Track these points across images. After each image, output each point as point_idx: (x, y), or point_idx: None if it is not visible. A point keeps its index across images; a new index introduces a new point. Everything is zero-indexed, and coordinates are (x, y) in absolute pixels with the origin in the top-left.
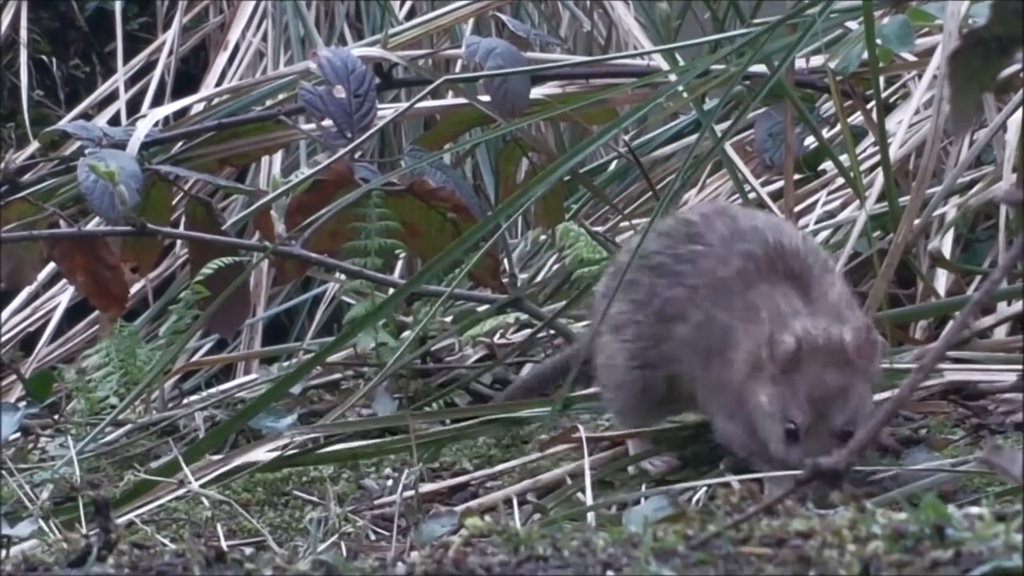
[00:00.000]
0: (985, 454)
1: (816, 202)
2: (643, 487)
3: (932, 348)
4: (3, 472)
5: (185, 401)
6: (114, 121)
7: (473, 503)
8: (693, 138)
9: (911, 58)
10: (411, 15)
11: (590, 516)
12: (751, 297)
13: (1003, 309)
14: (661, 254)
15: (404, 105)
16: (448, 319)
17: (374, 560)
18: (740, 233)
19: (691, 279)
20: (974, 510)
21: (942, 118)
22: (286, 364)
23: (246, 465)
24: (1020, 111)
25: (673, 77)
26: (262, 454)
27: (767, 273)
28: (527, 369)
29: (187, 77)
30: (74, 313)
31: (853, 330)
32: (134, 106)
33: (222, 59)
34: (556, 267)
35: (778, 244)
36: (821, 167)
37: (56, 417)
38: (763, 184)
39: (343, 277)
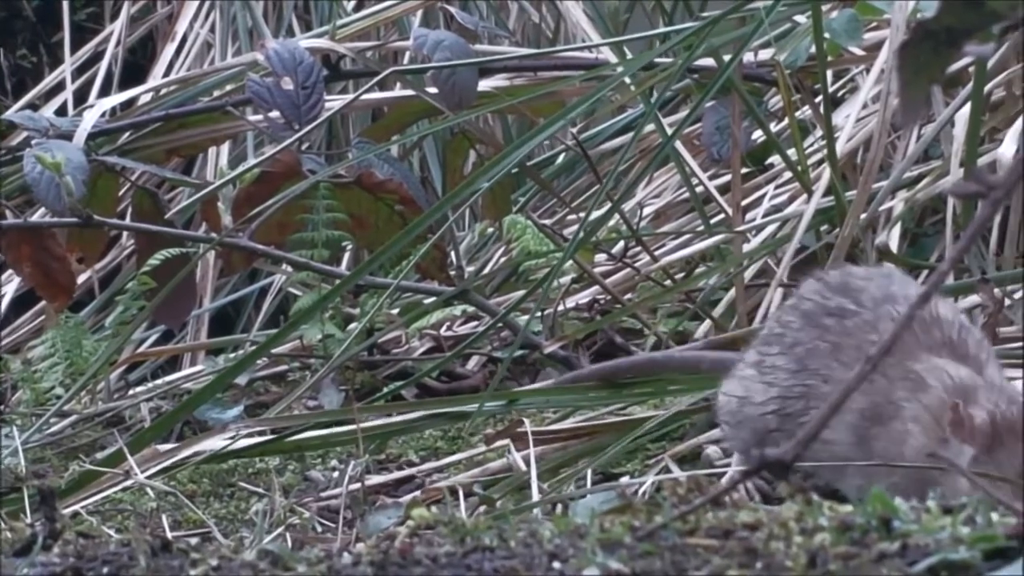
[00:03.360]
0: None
1: (763, 196)
2: (589, 479)
3: (880, 343)
4: None
5: (131, 392)
6: (61, 111)
7: (419, 494)
8: (642, 130)
9: (859, 52)
10: (359, 7)
11: (536, 508)
12: (911, 365)
13: None
14: (812, 300)
15: (352, 97)
16: (395, 311)
17: (320, 551)
18: (892, 297)
19: (834, 336)
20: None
21: (889, 112)
22: (232, 355)
23: (193, 456)
24: (968, 105)
25: (620, 70)
26: (209, 445)
27: (924, 341)
28: (474, 362)
29: (134, 68)
30: (20, 303)
31: None
32: (81, 96)
33: (170, 50)
34: (503, 259)
35: (934, 312)
36: (768, 161)
37: (1, 407)
38: (711, 178)
39: (290, 269)
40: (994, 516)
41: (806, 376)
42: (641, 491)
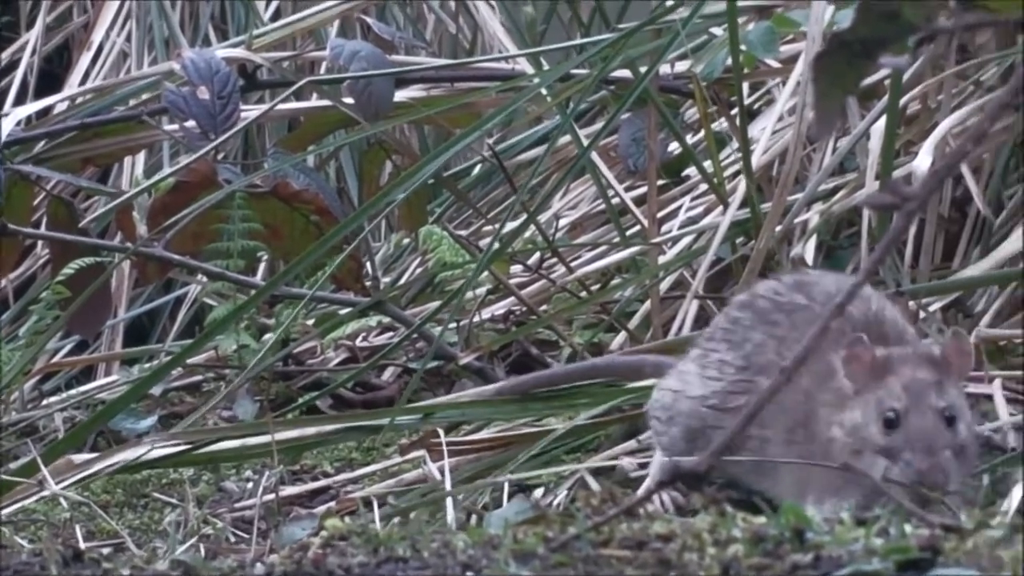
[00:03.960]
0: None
1: (679, 208)
2: (505, 490)
3: (797, 353)
4: None
5: (45, 402)
6: None
7: (333, 505)
8: (557, 141)
9: (775, 64)
10: (276, 16)
11: (450, 518)
12: (833, 359)
13: None
14: (766, 298)
15: (268, 106)
16: (310, 322)
17: (233, 561)
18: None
19: (782, 331)
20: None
21: (805, 124)
22: (147, 366)
23: (107, 467)
24: (884, 118)
25: (537, 81)
26: (124, 456)
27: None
28: (389, 373)
29: (50, 76)
30: None
31: (947, 340)
32: None
33: (86, 59)
34: (419, 270)
35: (880, 312)
36: (684, 173)
37: None
38: (627, 189)
39: (205, 279)
40: (907, 527)
41: (752, 372)
42: (556, 502)
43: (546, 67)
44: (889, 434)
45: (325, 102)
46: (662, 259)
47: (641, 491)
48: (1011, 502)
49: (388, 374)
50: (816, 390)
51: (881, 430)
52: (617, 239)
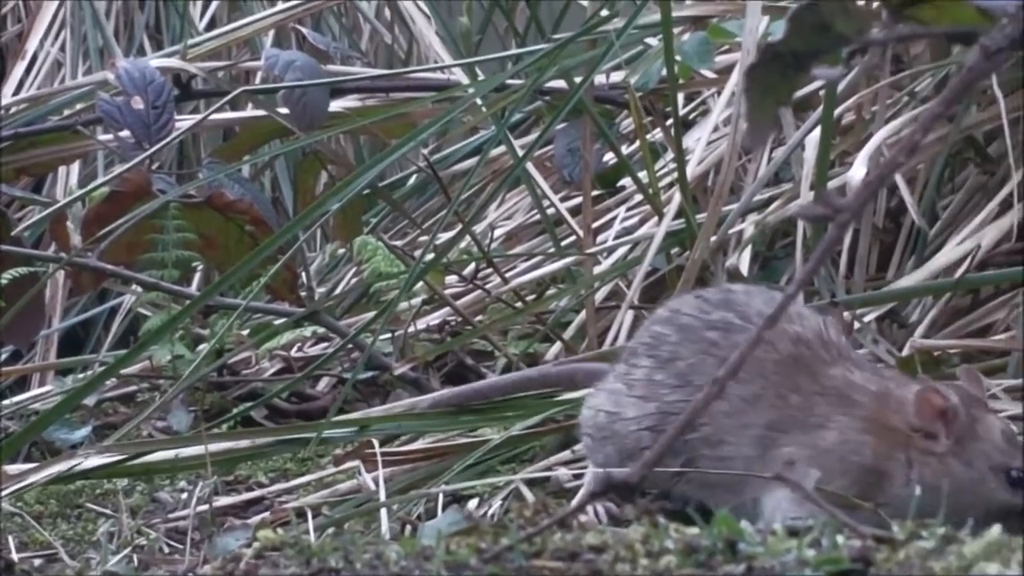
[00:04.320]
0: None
1: (614, 218)
2: (439, 500)
3: (727, 364)
4: None
5: None
6: None
7: (267, 515)
8: (492, 152)
9: (710, 75)
10: (211, 26)
11: (385, 529)
12: (825, 380)
13: None
14: (690, 315)
15: (202, 116)
16: (245, 332)
17: (165, 572)
18: (786, 315)
19: (721, 351)
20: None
21: (740, 135)
22: (81, 376)
23: (40, 479)
24: (818, 129)
25: (472, 91)
26: (58, 466)
27: (823, 356)
28: (324, 383)
29: None
30: None
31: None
32: None
33: (19, 68)
34: (354, 280)
35: (826, 331)
36: (620, 183)
37: None
38: (562, 200)
39: (140, 289)
40: (840, 539)
41: (691, 391)
42: (490, 513)
43: (481, 77)
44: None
45: (260, 112)
46: (597, 269)
47: (574, 502)
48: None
49: (323, 384)
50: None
51: (1006, 488)
52: (552, 249)
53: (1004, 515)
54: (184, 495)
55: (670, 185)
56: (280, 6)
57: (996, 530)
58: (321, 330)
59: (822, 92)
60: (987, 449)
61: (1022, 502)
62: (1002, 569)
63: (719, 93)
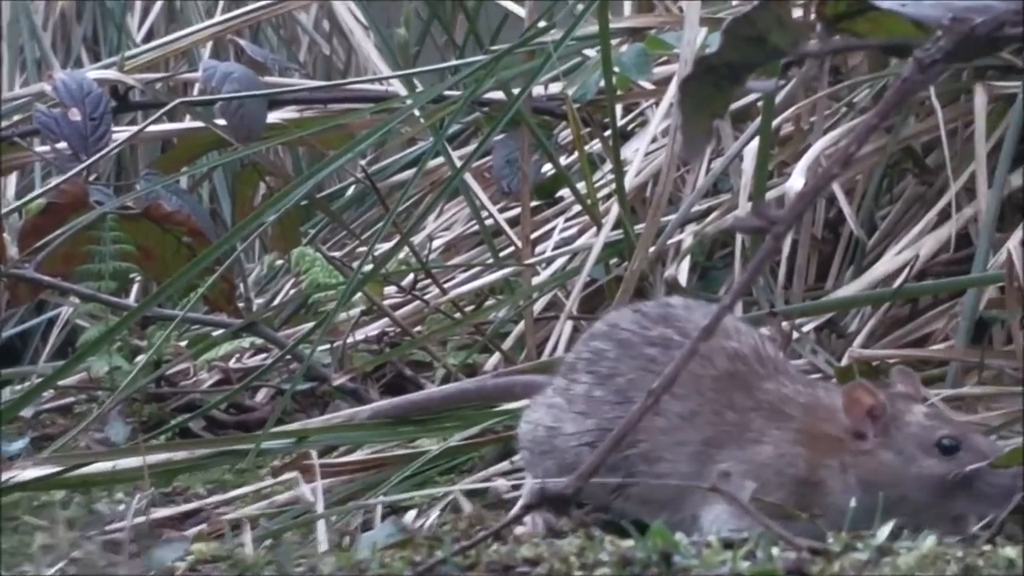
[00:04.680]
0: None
1: (553, 229)
2: (378, 512)
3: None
4: None
5: None
6: None
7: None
8: (430, 163)
9: (648, 86)
10: (149, 38)
11: (322, 541)
12: (759, 395)
13: None
14: (629, 330)
15: (139, 127)
16: (183, 343)
17: None
18: (723, 329)
19: (661, 367)
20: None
21: (677, 146)
22: (19, 387)
23: None
24: (757, 140)
25: (410, 102)
26: None
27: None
28: (262, 394)
29: None
30: None
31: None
32: None
33: None
34: (292, 292)
35: (762, 346)
36: (558, 194)
37: None
38: (501, 211)
39: (77, 300)
40: (775, 551)
41: (630, 408)
42: (427, 524)
43: (420, 89)
44: (948, 459)
45: (198, 124)
46: (536, 280)
47: (510, 515)
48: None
49: (261, 396)
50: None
51: (938, 457)
52: (491, 260)
53: (951, 489)
54: (122, 507)
55: (608, 196)
56: (218, 17)
57: (931, 541)
58: (259, 341)
59: (760, 103)
60: (912, 430)
61: (961, 466)
62: None
63: (657, 104)
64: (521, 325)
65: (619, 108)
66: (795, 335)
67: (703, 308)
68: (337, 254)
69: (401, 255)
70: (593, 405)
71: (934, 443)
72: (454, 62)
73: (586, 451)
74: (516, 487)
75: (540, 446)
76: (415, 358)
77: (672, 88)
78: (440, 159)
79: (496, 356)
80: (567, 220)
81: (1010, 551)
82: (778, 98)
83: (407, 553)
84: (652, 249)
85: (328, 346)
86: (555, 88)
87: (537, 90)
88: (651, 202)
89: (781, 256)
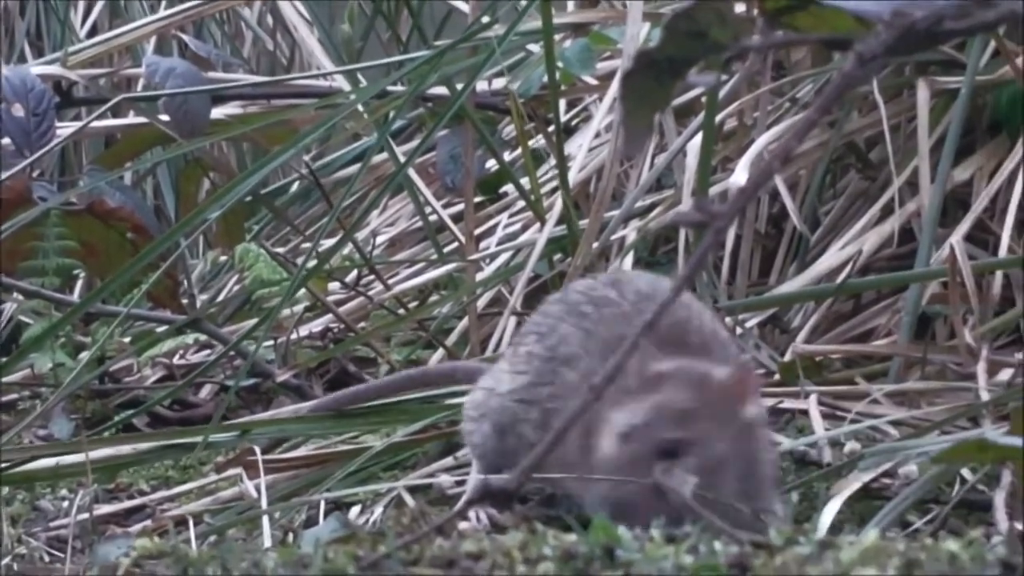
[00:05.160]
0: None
1: (497, 224)
2: (321, 508)
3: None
4: None
5: None
6: None
7: (149, 524)
8: (374, 159)
9: (592, 81)
10: (92, 33)
11: (266, 537)
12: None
13: None
14: (579, 292)
15: (83, 123)
16: (126, 339)
17: None
18: (653, 297)
19: (588, 323)
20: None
21: (620, 141)
22: None
23: None
24: (700, 135)
25: (353, 98)
26: None
27: (662, 344)
28: (206, 391)
29: None
30: None
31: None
32: None
33: None
34: (236, 288)
35: (685, 320)
36: (502, 190)
37: None
38: (444, 206)
39: (21, 297)
40: (717, 545)
41: (557, 363)
42: (371, 520)
43: (364, 84)
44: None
45: (141, 119)
46: (480, 276)
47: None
48: (822, 518)
49: (205, 392)
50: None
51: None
52: (435, 256)
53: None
54: (65, 503)
55: (552, 191)
56: (161, 13)
57: (873, 535)
58: (203, 337)
59: (704, 98)
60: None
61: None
62: (879, 574)
63: (601, 99)
64: (465, 321)
65: (563, 103)
66: (738, 331)
67: (648, 277)
68: (281, 250)
69: (345, 251)
70: (529, 362)
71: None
72: (398, 57)
73: (517, 407)
74: (460, 483)
75: (478, 409)
76: (359, 354)
77: (616, 83)
78: (384, 155)
79: (440, 352)
80: (511, 216)
81: (952, 545)
82: (721, 93)
83: (350, 548)
84: (596, 244)
85: (272, 342)
86: (499, 83)
87: (481, 85)
88: (595, 197)
89: (724, 251)
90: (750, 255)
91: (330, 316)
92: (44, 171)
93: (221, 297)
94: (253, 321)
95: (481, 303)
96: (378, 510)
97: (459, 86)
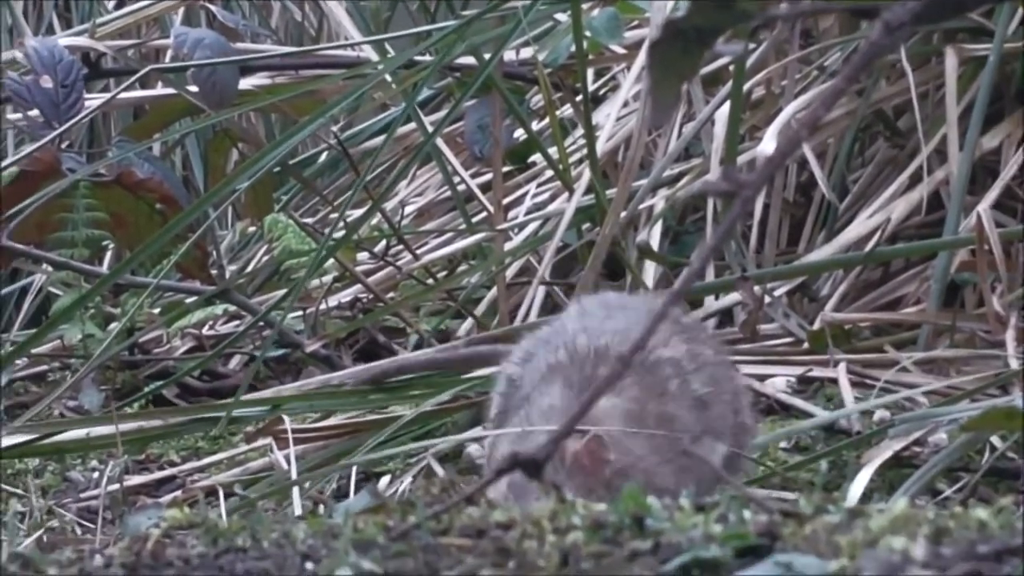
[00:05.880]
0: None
1: (525, 194)
2: (353, 477)
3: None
4: None
5: None
6: None
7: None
8: (402, 129)
9: (620, 50)
10: (120, 4)
11: (295, 507)
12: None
13: (710, 303)
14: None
15: (111, 95)
16: (156, 310)
17: (72, 553)
18: (595, 332)
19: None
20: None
21: (648, 110)
22: None
23: None
24: (728, 104)
25: (381, 68)
26: None
27: (569, 374)
28: (236, 361)
29: None
30: None
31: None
32: None
33: None
34: (265, 258)
35: (602, 349)
36: (530, 159)
37: None
38: (472, 176)
39: (50, 268)
40: (746, 514)
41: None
42: (400, 490)
43: (391, 54)
44: None
45: (170, 90)
46: (508, 245)
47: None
48: (852, 487)
49: (235, 362)
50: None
51: None
52: (463, 226)
53: None
54: (96, 474)
55: (580, 161)
56: None
57: (903, 503)
58: (232, 308)
59: (731, 67)
60: None
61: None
62: (908, 542)
63: (628, 69)
64: (494, 290)
65: (590, 73)
66: (767, 299)
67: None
68: (309, 220)
69: (373, 221)
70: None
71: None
72: (425, 27)
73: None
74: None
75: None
76: (388, 324)
77: (643, 52)
78: (412, 125)
79: (469, 321)
80: (539, 185)
81: (981, 513)
82: (749, 62)
83: (380, 518)
84: (624, 214)
85: (301, 313)
86: (526, 53)
87: (508, 55)
88: (623, 167)
89: (753, 220)
90: (778, 224)
91: (359, 286)
92: (73, 142)
93: (250, 268)
94: (282, 292)
95: (510, 273)
96: (407, 480)
97: (487, 56)
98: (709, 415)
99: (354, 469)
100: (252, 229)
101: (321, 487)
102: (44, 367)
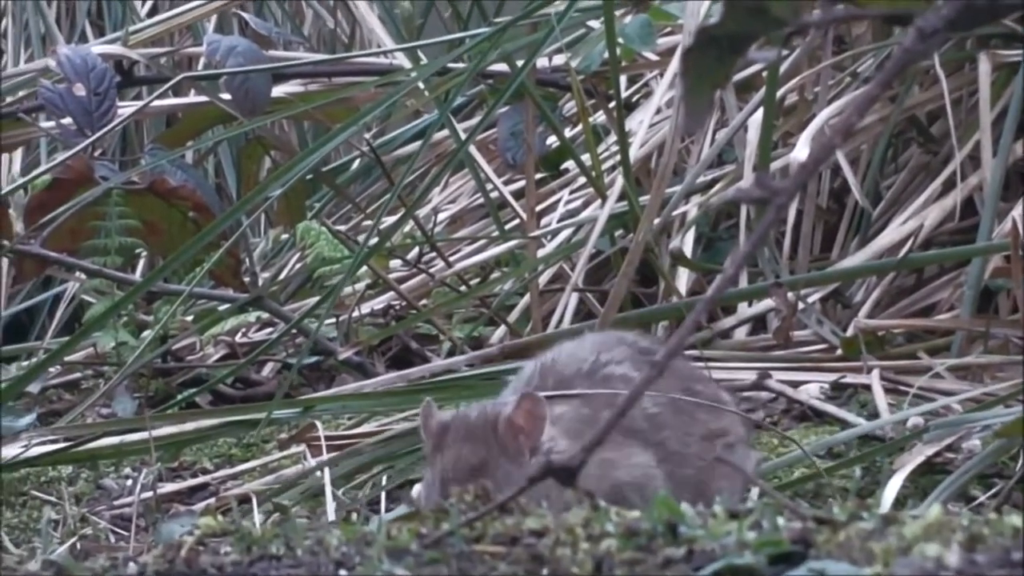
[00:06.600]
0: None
1: (558, 201)
2: (384, 486)
3: (668, 345)
4: None
5: None
6: None
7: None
8: (435, 136)
9: (653, 57)
10: (153, 12)
11: (329, 514)
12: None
13: (743, 310)
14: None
15: (144, 102)
16: (189, 318)
17: (105, 560)
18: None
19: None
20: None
21: (681, 117)
22: (25, 363)
23: None
24: (761, 110)
25: (414, 75)
26: (3, 454)
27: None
28: (268, 369)
29: None
30: None
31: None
32: None
33: None
34: (298, 266)
35: (548, 363)
36: (563, 166)
37: None
38: (505, 183)
39: (83, 276)
40: (780, 521)
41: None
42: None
43: (424, 61)
44: None
45: (202, 98)
46: (541, 252)
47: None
48: (886, 493)
49: (268, 370)
50: None
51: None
52: (496, 233)
53: None
54: (129, 482)
55: (613, 167)
56: None
57: (936, 509)
58: (265, 316)
59: (764, 74)
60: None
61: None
62: (942, 549)
63: (661, 75)
64: (527, 297)
65: (623, 79)
66: (800, 306)
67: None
68: (342, 228)
69: (406, 228)
70: None
71: None
72: (458, 34)
73: None
74: None
75: None
76: (421, 331)
77: (676, 59)
78: (445, 132)
79: (502, 329)
80: (572, 192)
81: (1016, 519)
82: (782, 68)
83: (413, 526)
84: (657, 221)
85: (334, 320)
86: (559, 60)
87: (541, 62)
88: (656, 173)
89: (786, 227)
90: (812, 230)
91: (392, 293)
92: (106, 150)
93: (283, 275)
94: (315, 299)
95: (543, 280)
96: None
97: (520, 63)
98: (661, 435)
99: (385, 477)
100: (285, 236)
101: (354, 495)
102: (77, 375)
